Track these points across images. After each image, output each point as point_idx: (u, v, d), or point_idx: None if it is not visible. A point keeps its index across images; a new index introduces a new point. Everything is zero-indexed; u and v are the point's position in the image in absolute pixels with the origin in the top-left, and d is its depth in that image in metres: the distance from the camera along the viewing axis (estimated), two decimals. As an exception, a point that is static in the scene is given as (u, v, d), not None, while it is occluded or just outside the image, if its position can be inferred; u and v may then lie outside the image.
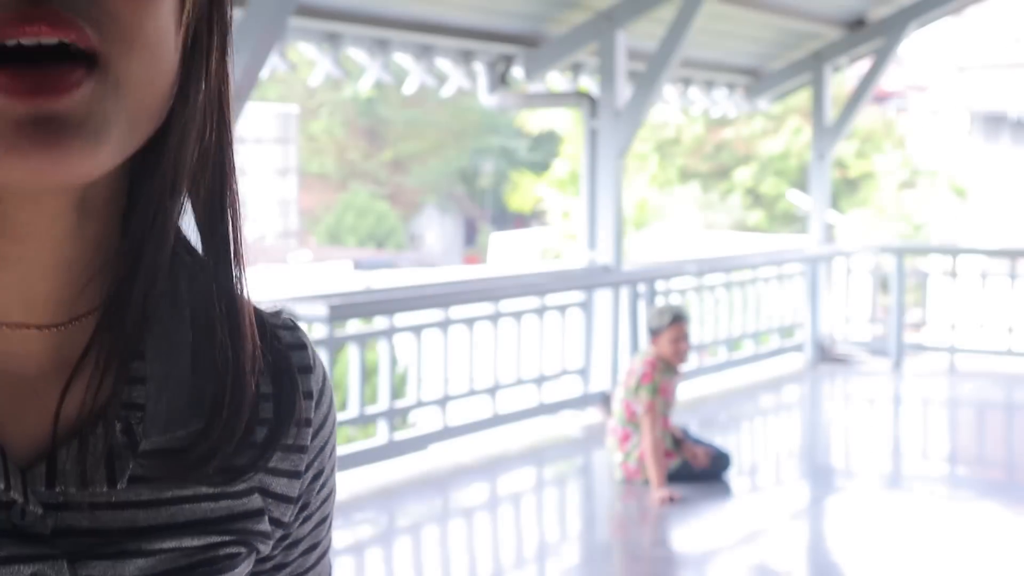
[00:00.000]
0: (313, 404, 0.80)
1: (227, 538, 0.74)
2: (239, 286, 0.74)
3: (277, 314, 0.81)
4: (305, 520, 0.82)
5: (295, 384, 0.78)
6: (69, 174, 0.61)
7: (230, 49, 0.72)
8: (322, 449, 0.81)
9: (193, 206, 0.72)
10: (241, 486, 0.75)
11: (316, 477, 0.81)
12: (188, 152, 0.69)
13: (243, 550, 0.75)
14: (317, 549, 0.84)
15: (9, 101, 0.59)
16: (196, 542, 0.72)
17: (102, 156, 0.62)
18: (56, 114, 0.60)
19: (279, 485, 0.78)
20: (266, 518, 0.77)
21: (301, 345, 0.81)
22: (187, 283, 0.73)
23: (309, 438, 0.79)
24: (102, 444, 0.70)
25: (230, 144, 0.72)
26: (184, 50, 0.68)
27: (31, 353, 0.70)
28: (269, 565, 0.80)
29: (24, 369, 0.70)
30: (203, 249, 0.73)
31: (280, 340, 0.79)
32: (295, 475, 0.79)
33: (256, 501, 0.76)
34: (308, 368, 0.80)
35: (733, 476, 6.31)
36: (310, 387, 0.80)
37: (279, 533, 0.79)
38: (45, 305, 0.69)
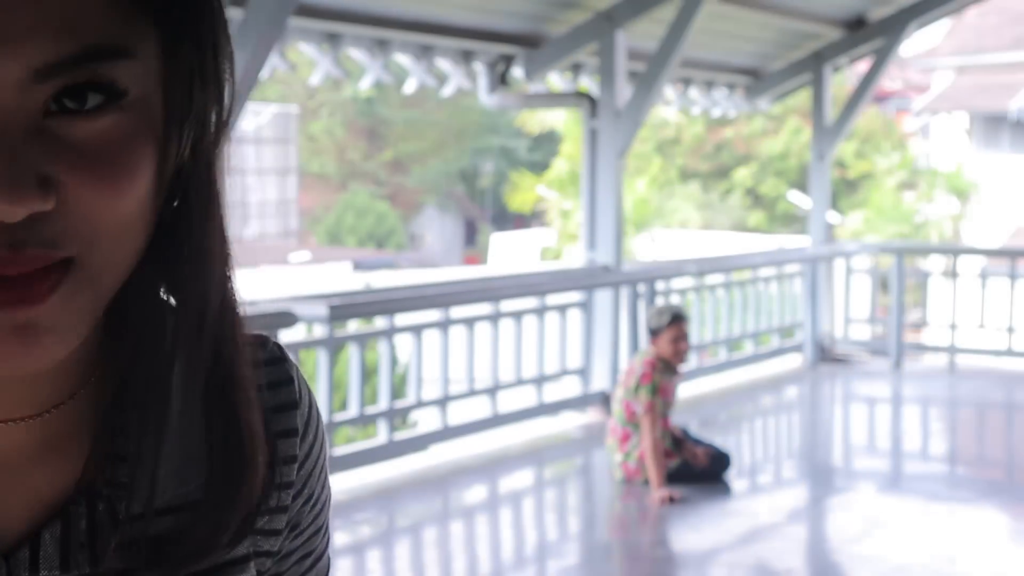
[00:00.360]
0: (298, 440, 0.79)
1: None
2: (240, 376, 0.73)
3: (263, 344, 0.79)
4: (297, 535, 0.82)
5: (276, 450, 0.77)
6: (40, 365, 0.63)
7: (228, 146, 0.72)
8: (310, 474, 0.81)
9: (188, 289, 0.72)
10: None
11: (307, 501, 0.82)
12: (213, 282, 0.71)
13: None
14: (311, 556, 0.85)
15: None
16: None
17: (73, 342, 0.64)
18: (32, 321, 0.61)
19: (264, 522, 0.78)
20: (252, 564, 0.77)
21: (288, 379, 0.80)
22: (177, 359, 0.72)
23: (294, 472, 0.80)
24: (85, 524, 0.70)
25: (227, 241, 0.72)
26: (183, 184, 0.70)
27: (13, 443, 0.70)
28: None
29: (7, 458, 0.70)
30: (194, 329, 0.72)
31: (263, 380, 0.78)
32: (282, 510, 0.79)
33: (241, 548, 0.76)
34: (294, 404, 0.80)
35: (733, 476, 6.31)
36: (295, 424, 0.79)
37: (268, 563, 0.79)
38: (24, 403, 0.69)
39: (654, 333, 6.19)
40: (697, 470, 6.16)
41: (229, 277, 0.72)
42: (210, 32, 0.69)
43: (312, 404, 0.82)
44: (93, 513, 0.70)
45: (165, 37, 0.66)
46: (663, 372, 6.11)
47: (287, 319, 5.39)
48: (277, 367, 0.80)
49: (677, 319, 6.16)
